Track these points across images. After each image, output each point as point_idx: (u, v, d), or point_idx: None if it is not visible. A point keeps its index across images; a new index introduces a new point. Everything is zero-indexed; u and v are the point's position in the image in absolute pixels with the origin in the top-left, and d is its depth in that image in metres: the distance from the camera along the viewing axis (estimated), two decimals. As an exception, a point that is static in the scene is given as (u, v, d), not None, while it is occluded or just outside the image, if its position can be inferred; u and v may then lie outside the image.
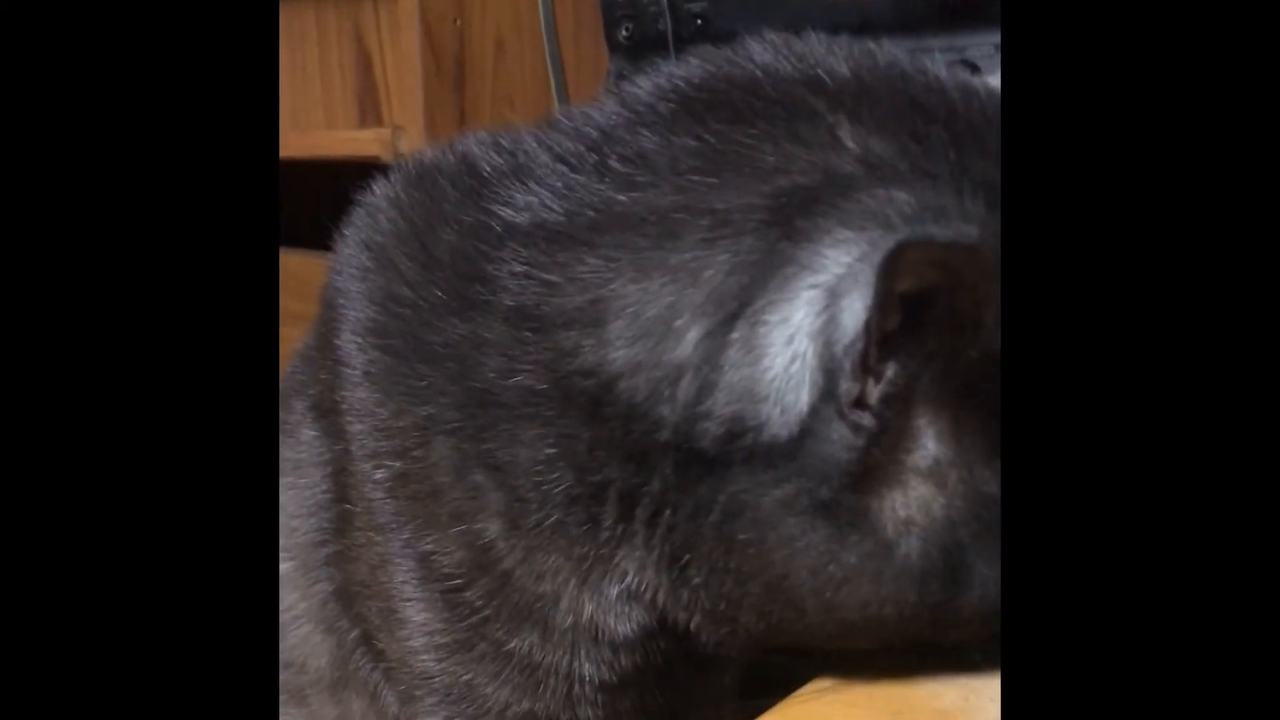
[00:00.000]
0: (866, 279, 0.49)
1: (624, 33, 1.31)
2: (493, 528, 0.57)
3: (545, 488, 0.55)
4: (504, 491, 0.56)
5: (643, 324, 0.52)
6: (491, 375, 0.56)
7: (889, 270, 0.48)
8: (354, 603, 0.66)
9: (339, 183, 0.67)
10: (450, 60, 1.55)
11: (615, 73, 1.31)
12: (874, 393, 0.50)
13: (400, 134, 1.56)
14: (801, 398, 0.50)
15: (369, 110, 1.62)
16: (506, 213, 0.57)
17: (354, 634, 0.68)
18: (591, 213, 0.55)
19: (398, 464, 0.59)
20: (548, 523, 0.56)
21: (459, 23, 1.53)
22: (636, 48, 1.30)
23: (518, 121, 0.65)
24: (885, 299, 0.48)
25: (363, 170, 0.68)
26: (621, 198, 0.54)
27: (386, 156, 1.49)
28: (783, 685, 0.59)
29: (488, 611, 0.59)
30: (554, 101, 1.52)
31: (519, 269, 0.56)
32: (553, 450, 0.55)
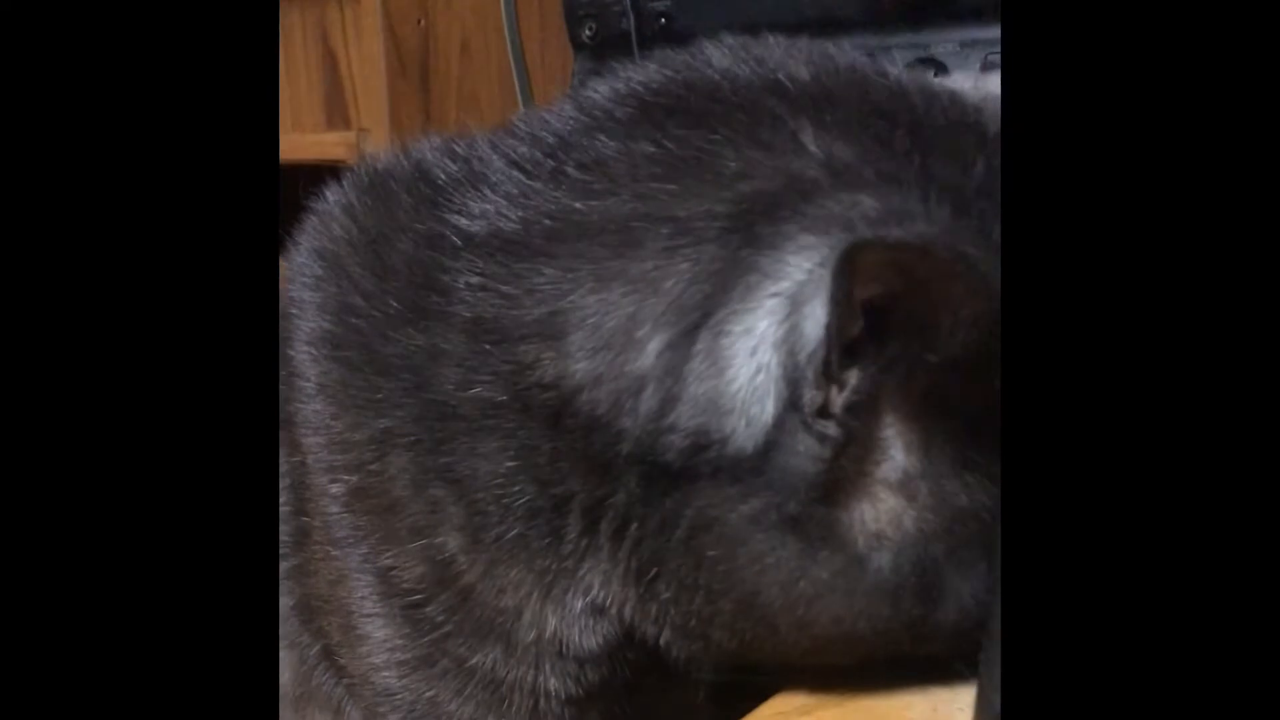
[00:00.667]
0: (828, 284, 0.48)
1: (587, 32, 1.31)
2: (453, 542, 0.56)
3: (506, 501, 0.54)
4: (464, 505, 0.55)
5: (603, 335, 0.51)
6: (449, 387, 0.55)
7: (843, 271, 0.46)
8: (314, 617, 0.65)
9: (306, 186, 0.66)
10: (414, 61, 1.55)
11: (580, 72, 1.31)
12: (838, 401, 0.49)
13: (365, 137, 1.55)
14: (767, 409, 0.49)
15: (336, 112, 1.62)
16: (462, 221, 0.56)
17: (315, 649, 0.66)
18: (548, 221, 0.54)
19: (354, 478, 0.58)
20: (509, 536, 0.55)
21: (423, 23, 1.52)
22: (600, 47, 1.29)
23: (482, 123, 0.63)
24: (843, 303, 0.47)
25: (330, 174, 0.67)
26: (579, 206, 0.53)
27: (352, 159, 1.48)
28: (753, 698, 0.58)
29: (449, 627, 0.58)
30: (519, 102, 1.50)
31: (475, 280, 0.54)
32: (513, 463, 0.54)
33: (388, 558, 0.58)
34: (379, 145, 1.52)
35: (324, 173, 0.66)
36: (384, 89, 1.53)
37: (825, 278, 0.48)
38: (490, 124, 0.62)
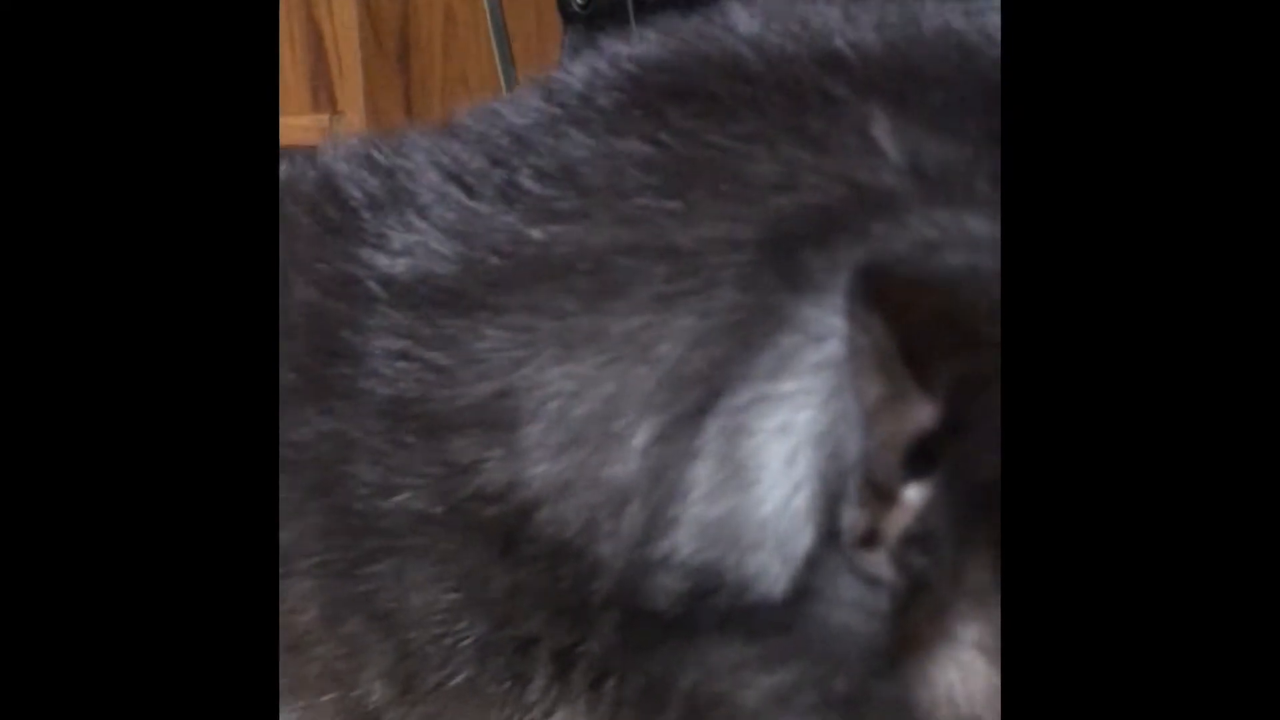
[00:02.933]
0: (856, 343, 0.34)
1: (578, 0, 1.20)
2: (379, 692, 0.43)
3: (448, 641, 0.42)
4: (392, 644, 0.43)
5: (571, 425, 0.38)
6: (364, 492, 0.42)
7: (867, 313, 0.33)
8: None
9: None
10: (393, 35, 1.52)
11: (571, 47, 1.20)
12: (894, 527, 0.35)
13: (339, 120, 1.48)
14: (805, 540, 0.36)
15: (323, 92, 1.60)
16: (380, 260, 0.42)
17: None
18: (495, 259, 0.40)
19: None
20: (453, 683, 0.42)
21: (402, -13, 1.50)
22: (593, 18, 1.21)
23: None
24: (886, 369, 0.33)
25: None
26: (536, 234, 0.40)
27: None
28: None
29: None
30: (501, 83, 1.39)
31: (396, 345, 0.41)
32: (455, 596, 0.41)
33: (292, 712, 0.44)
34: (355, 130, 1.45)
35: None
36: (358, 66, 1.45)
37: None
38: (426, 123, 0.49)
